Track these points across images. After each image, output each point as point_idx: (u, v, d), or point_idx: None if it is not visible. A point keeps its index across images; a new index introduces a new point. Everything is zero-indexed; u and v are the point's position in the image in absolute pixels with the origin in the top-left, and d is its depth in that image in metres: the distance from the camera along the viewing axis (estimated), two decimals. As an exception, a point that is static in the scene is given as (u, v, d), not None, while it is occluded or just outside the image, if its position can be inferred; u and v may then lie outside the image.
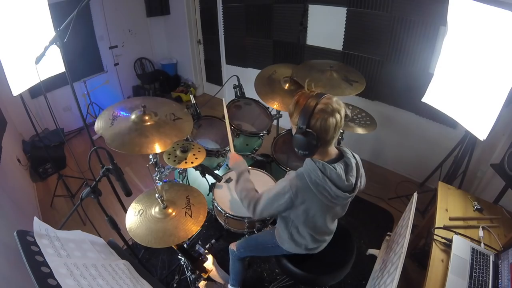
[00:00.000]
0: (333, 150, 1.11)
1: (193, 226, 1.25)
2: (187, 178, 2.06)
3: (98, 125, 1.43)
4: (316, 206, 1.10)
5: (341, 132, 2.04)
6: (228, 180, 1.78)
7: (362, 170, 1.15)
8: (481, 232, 1.38)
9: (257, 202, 1.18)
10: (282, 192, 1.09)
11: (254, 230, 1.65)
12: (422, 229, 1.88)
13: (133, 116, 1.48)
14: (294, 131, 1.06)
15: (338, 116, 1.00)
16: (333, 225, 1.32)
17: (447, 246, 1.32)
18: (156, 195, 1.26)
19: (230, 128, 2.07)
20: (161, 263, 2.06)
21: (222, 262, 1.99)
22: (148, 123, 1.47)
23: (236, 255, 1.56)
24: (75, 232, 0.96)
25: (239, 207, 1.60)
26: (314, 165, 1.03)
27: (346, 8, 2.56)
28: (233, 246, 1.57)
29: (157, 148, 1.39)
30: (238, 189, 1.27)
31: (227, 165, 2.19)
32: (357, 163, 1.13)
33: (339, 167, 1.06)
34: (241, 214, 1.59)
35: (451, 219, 1.46)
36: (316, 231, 1.24)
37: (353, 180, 1.09)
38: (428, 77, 2.02)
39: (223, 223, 1.69)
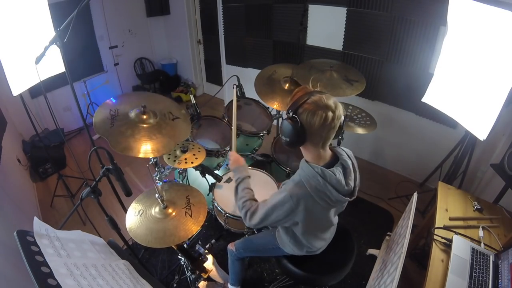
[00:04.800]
0: (327, 153, 1.09)
1: (193, 226, 1.25)
2: (187, 178, 2.06)
3: (98, 126, 1.40)
4: (317, 209, 1.07)
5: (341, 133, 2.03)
6: (228, 180, 1.78)
7: (357, 171, 1.13)
8: (481, 232, 1.38)
9: (254, 212, 1.14)
10: (281, 202, 1.05)
11: (254, 230, 1.65)
12: (422, 229, 1.88)
13: (132, 114, 1.46)
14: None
15: (330, 113, 0.95)
16: (335, 219, 1.29)
17: (447, 246, 1.32)
18: (156, 195, 1.26)
19: (231, 127, 2.08)
20: (161, 263, 2.05)
21: (222, 262, 1.99)
22: (146, 125, 1.44)
23: (235, 255, 1.55)
24: (75, 232, 0.96)
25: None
26: (313, 170, 1.00)
27: (346, 8, 2.56)
28: (231, 246, 1.55)
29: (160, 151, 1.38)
30: (238, 197, 1.23)
31: (227, 165, 2.19)
32: (353, 165, 1.10)
33: (338, 172, 1.03)
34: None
35: (451, 219, 1.46)
36: (319, 230, 1.24)
37: (352, 184, 1.06)
38: (428, 77, 2.02)
39: (223, 223, 1.69)
